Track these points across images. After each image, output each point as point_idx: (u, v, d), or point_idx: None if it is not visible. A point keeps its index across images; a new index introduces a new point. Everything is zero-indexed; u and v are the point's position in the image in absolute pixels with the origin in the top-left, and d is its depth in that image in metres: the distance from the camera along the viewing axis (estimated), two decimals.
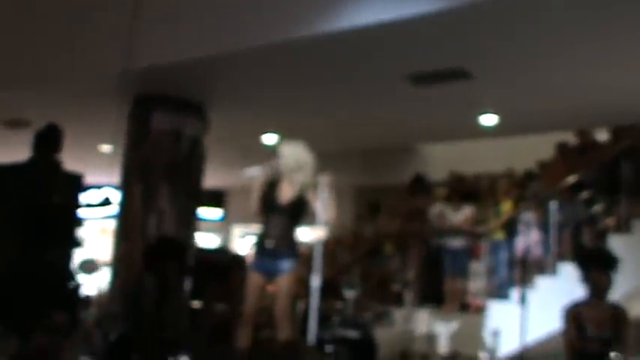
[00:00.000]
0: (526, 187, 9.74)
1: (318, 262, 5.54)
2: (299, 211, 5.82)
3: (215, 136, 9.58)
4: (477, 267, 9.49)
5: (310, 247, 10.14)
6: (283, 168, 5.79)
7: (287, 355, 5.72)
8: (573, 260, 7.21)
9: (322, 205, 5.66)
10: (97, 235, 16.70)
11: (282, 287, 5.73)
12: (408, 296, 9.17)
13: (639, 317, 6.29)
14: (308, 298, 8.94)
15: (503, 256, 9.02)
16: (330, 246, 10.73)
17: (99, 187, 15.97)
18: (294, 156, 5.79)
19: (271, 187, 5.84)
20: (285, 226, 5.78)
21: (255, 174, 5.85)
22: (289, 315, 5.87)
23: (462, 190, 10.16)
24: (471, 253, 9.56)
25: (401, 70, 7.99)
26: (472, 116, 9.41)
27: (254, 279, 5.82)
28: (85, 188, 8.51)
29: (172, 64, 8.18)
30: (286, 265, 5.73)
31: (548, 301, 7.07)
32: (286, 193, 5.81)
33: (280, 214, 5.76)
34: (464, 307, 9.36)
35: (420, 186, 10.71)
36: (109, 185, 14.46)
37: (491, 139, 10.99)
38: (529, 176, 10.23)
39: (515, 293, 8.35)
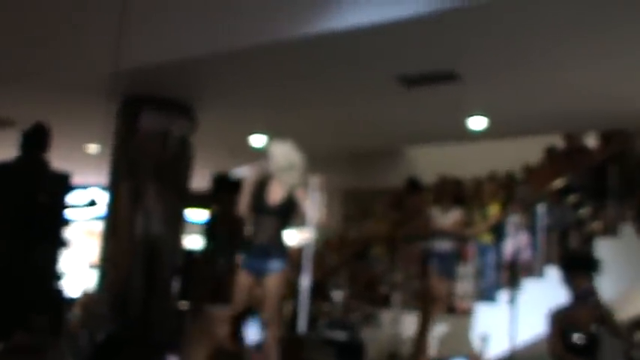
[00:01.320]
0: (513, 190, 9.77)
1: (307, 263, 5.54)
2: (288, 212, 5.82)
3: (203, 136, 9.55)
4: (465, 270, 9.49)
5: (297, 248, 10.23)
6: (273, 168, 5.78)
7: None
8: (559, 263, 7.25)
9: (312, 206, 5.65)
10: (83, 237, 16.62)
11: (271, 287, 5.72)
12: (396, 298, 9.18)
13: (627, 321, 6.31)
14: (296, 299, 9.00)
15: (491, 258, 9.04)
16: (318, 247, 10.75)
17: (85, 187, 15.88)
18: (285, 156, 5.79)
19: (260, 187, 5.83)
20: (275, 226, 5.78)
21: (244, 174, 5.84)
22: (278, 316, 5.86)
23: (450, 192, 10.16)
24: (458, 255, 9.57)
25: (390, 71, 7.99)
26: (461, 119, 9.41)
27: (243, 278, 5.81)
28: (72, 188, 8.48)
29: (161, 64, 8.15)
30: (275, 265, 5.72)
31: (535, 304, 7.09)
32: (276, 194, 5.80)
33: (269, 215, 5.76)
34: (451, 310, 9.36)
35: (415, 187, 10.71)
36: (95, 186, 14.37)
37: (479, 143, 11.02)
38: (511, 178, 10.25)
39: (501, 296, 8.37)
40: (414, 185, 10.76)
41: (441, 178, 11.01)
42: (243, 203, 5.82)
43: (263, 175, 5.84)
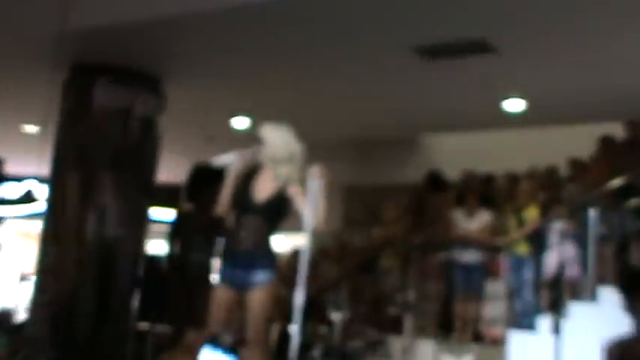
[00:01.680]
0: (554, 190, 9.76)
1: (301, 275, 5.53)
2: (279, 212, 5.80)
3: (173, 116, 9.54)
4: (495, 288, 9.51)
5: (289, 257, 10.23)
6: (268, 157, 5.75)
7: None
8: (617, 284, 7.24)
9: (309, 205, 5.64)
10: (16, 240, 16.62)
11: (255, 305, 5.67)
12: (409, 321, 9.21)
13: None
14: (285, 320, 8.99)
15: (528, 274, 9.02)
16: (313, 256, 10.77)
17: (21, 178, 15.87)
18: (284, 144, 5.75)
19: (246, 180, 5.82)
20: (262, 228, 5.75)
21: (228, 162, 5.81)
22: (264, 340, 5.85)
23: (477, 191, 10.19)
24: (487, 269, 9.59)
25: (407, 40, 7.98)
26: (493, 101, 9.43)
27: (221, 293, 5.77)
28: (3, 178, 8.47)
29: (119, 25, 8.10)
30: (261, 276, 5.69)
31: (586, 334, 7.10)
32: (265, 189, 5.77)
33: (256, 214, 5.74)
34: (477, 338, 9.39)
35: (437, 184, 10.71)
36: (34, 176, 14.38)
37: (515, 130, 11.04)
38: (554, 175, 10.25)
39: (542, 322, 8.38)
40: (436, 182, 10.76)
41: (467, 174, 11.02)
42: (224, 198, 5.78)
43: (251, 165, 5.82)
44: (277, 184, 5.76)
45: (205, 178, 7.45)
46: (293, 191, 5.75)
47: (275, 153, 5.73)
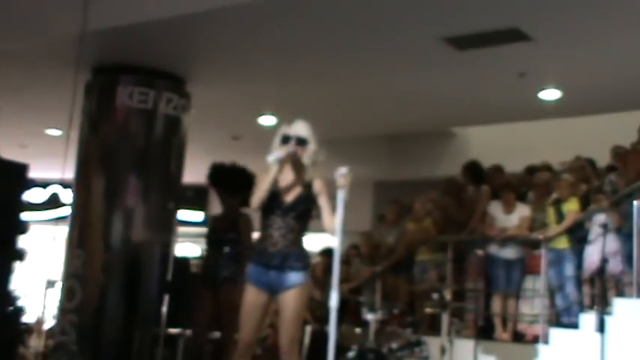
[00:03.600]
0: (598, 180, 9.64)
1: (335, 275, 5.49)
2: (308, 210, 5.79)
3: (198, 116, 9.54)
4: (535, 284, 9.43)
5: (317, 258, 10.18)
6: (310, 157, 5.74)
7: None
8: None
9: (340, 208, 5.59)
10: (42, 245, 16.67)
11: (290, 306, 5.66)
12: (446, 321, 9.14)
13: None
14: (317, 322, 8.96)
15: (569, 270, 8.94)
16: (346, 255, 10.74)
17: (45, 183, 15.95)
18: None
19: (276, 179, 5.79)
20: (293, 228, 5.73)
21: (279, 158, 5.74)
22: (298, 343, 5.82)
23: (515, 184, 10.10)
24: (526, 266, 9.51)
25: (439, 31, 7.92)
26: (528, 90, 9.36)
27: (253, 295, 5.73)
28: (28, 183, 8.48)
29: (140, 24, 8.10)
30: (295, 278, 5.66)
31: (631, 332, 7.01)
32: (294, 188, 5.77)
33: (286, 214, 5.72)
34: (517, 337, 9.32)
35: (476, 176, 10.56)
36: (58, 180, 14.43)
37: (550, 120, 10.97)
38: (594, 165, 10.14)
39: (585, 320, 8.29)
40: (475, 173, 10.62)
41: (496, 169, 10.89)
42: (259, 196, 5.74)
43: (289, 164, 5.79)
44: (303, 182, 5.75)
45: (223, 176, 7.48)
46: (318, 187, 5.75)
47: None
